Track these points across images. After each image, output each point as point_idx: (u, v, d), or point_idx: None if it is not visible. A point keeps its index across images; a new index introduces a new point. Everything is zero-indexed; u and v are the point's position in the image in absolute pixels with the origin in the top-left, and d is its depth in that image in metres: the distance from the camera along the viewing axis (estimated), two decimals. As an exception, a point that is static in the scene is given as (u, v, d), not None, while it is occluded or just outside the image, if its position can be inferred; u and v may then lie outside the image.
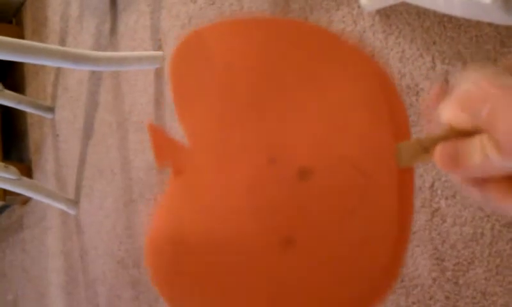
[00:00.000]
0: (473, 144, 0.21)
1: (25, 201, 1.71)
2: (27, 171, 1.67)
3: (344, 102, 0.24)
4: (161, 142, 0.26)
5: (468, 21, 0.65)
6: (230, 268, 0.24)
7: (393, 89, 0.24)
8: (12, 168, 1.36)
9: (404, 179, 0.23)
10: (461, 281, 0.61)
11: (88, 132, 1.43)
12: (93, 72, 1.41)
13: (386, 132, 0.23)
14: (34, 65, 1.70)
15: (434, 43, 0.68)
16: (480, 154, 0.21)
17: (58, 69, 1.60)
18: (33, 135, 1.71)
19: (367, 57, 0.24)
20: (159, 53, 1.17)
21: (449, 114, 0.22)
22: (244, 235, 0.23)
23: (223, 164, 0.24)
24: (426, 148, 0.23)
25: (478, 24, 0.65)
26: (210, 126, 0.25)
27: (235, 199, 0.24)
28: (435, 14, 0.69)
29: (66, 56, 1.10)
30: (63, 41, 1.58)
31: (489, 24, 0.63)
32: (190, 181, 0.25)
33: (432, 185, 0.65)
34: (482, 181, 0.22)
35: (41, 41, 1.70)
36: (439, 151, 0.22)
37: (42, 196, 1.43)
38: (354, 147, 0.23)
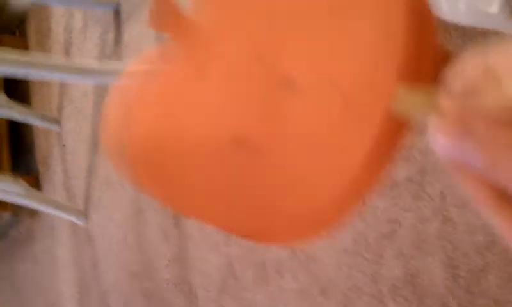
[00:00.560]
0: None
1: (35, 213, 1.72)
2: (35, 182, 1.68)
3: (356, 25, 0.22)
4: (165, 6, 0.26)
5: (473, 28, 0.65)
6: (190, 152, 0.24)
7: (427, 24, 0.22)
8: (21, 181, 1.37)
9: (391, 127, 0.21)
10: (474, 289, 0.61)
11: (94, 143, 1.43)
12: (98, 83, 1.42)
13: (393, 69, 0.21)
14: (39, 77, 1.71)
15: (440, 50, 0.69)
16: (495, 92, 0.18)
17: (63, 80, 1.61)
18: (40, 147, 1.72)
19: None
20: (164, 63, 1.18)
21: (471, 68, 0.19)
22: (208, 122, 0.24)
23: (217, 47, 0.24)
24: (431, 102, 0.19)
25: (483, 31, 0.65)
26: (223, 5, 0.25)
27: (213, 84, 0.24)
28: (440, 21, 0.69)
29: (72, 70, 1.10)
30: (67, 52, 1.59)
31: (495, 31, 0.63)
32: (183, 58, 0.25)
33: (442, 193, 0.65)
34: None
35: (45, 51, 1.71)
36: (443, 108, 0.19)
37: (51, 208, 1.44)
38: (348, 72, 0.21)
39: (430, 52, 0.22)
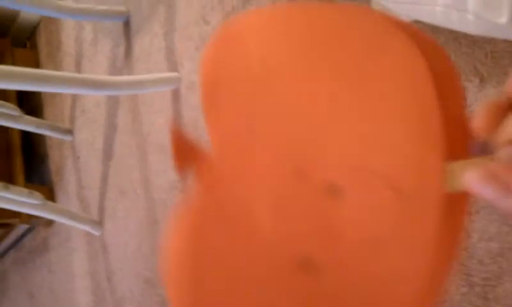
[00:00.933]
0: None
1: (50, 222, 1.74)
2: (49, 192, 1.71)
3: (387, 111, 0.21)
4: (183, 147, 0.24)
5: (482, 37, 0.66)
6: (250, 288, 0.23)
7: (455, 97, 0.22)
8: (36, 193, 1.39)
9: (453, 207, 0.21)
10: (490, 296, 0.62)
11: (107, 153, 1.45)
12: (110, 95, 1.43)
13: (435, 148, 0.20)
14: (51, 89, 1.73)
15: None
16: None
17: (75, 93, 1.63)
18: (53, 158, 1.74)
19: (426, 56, 0.21)
20: (175, 74, 1.19)
21: None
22: (264, 253, 0.22)
23: (247, 174, 0.23)
24: None
25: (492, 40, 0.66)
26: (238, 131, 0.23)
27: (258, 214, 0.22)
28: (450, 30, 0.69)
29: (84, 83, 1.12)
30: (78, 65, 1.61)
31: (504, 40, 0.64)
32: (212, 194, 0.23)
33: (455, 201, 0.66)
34: None
35: (55, 64, 1.73)
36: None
37: (66, 218, 1.46)
38: (392, 163, 0.20)
39: (465, 118, 0.21)
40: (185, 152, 0.25)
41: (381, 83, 0.21)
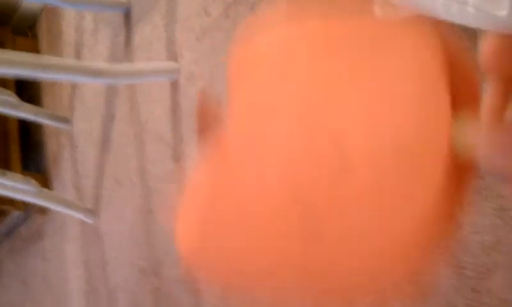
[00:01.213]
0: None
1: (45, 210, 1.74)
2: (45, 181, 1.70)
3: (395, 76, 0.22)
4: (207, 113, 0.26)
5: (483, 31, 0.66)
6: (260, 250, 0.24)
7: (458, 64, 0.23)
8: (32, 181, 1.39)
9: (461, 167, 0.21)
10: (482, 289, 0.62)
11: (105, 143, 1.45)
12: (109, 84, 1.43)
13: (444, 108, 0.21)
14: (51, 77, 1.73)
15: (449, 53, 0.70)
16: None
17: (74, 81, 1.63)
18: (50, 146, 1.74)
19: (429, 43, 0.23)
20: (174, 64, 1.19)
21: None
22: (271, 201, 0.23)
23: (262, 140, 0.24)
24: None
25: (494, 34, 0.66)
26: (257, 106, 0.25)
27: (269, 171, 0.24)
28: (451, 24, 0.70)
29: (83, 71, 1.12)
30: (78, 54, 1.61)
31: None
32: (226, 156, 0.25)
33: (450, 194, 0.66)
34: None
35: (56, 53, 1.73)
36: None
37: (61, 206, 1.46)
38: (399, 118, 0.21)
39: (473, 82, 0.23)
40: (207, 118, 0.26)
41: (391, 57, 0.23)
